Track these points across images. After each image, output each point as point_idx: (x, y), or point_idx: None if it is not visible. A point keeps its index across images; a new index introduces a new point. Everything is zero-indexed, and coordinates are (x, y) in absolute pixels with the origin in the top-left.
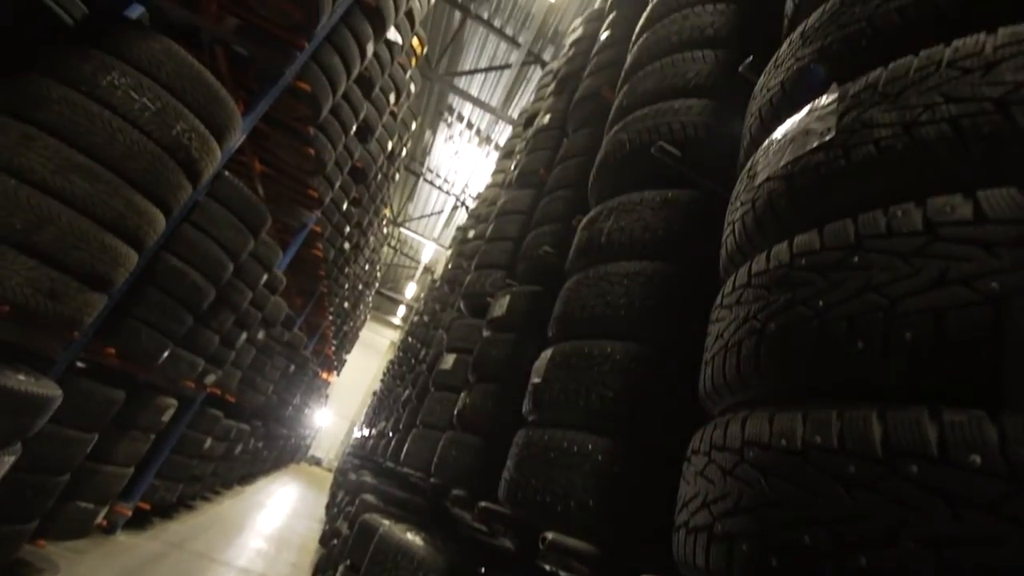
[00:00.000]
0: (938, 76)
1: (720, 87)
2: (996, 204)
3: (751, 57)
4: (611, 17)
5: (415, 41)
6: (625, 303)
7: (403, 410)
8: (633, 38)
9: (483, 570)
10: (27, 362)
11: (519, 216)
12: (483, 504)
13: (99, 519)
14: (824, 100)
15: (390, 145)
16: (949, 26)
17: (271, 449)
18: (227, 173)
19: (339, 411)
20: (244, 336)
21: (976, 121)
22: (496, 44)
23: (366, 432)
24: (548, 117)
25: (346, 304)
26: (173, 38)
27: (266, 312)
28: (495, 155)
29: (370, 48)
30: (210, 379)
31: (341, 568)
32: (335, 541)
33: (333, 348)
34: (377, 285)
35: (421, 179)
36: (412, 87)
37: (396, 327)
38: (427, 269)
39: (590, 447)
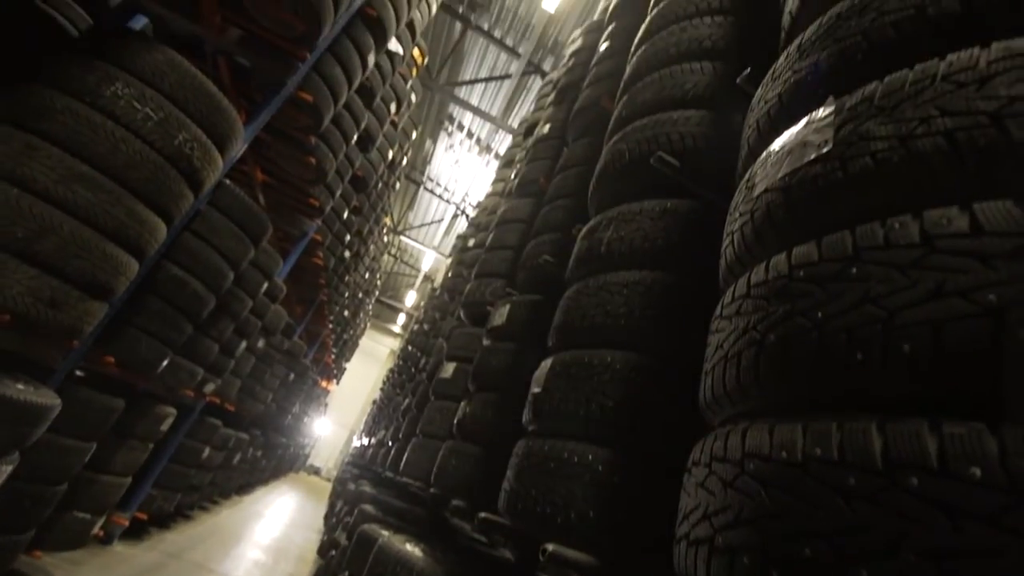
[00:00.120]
0: (933, 89)
1: (718, 98)
2: (992, 216)
3: (748, 69)
4: (610, 28)
5: (416, 52)
6: (625, 313)
7: (403, 419)
8: (632, 49)
9: None
10: (26, 371)
11: (519, 225)
12: (483, 515)
13: (96, 529)
14: (821, 113)
15: (391, 154)
16: (943, 40)
17: (270, 458)
18: (228, 182)
19: (338, 420)
20: (244, 345)
21: (971, 134)
22: (496, 54)
23: (365, 441)
24: (548, 127)
25: (346, 312)
26: (176, 49)
27: (266, 320)
28: (495, 164)
29: (371, 59)
30: (209, 388)
31: None
32: (333, 552)
33: (333, 356)
34: (377, 293)
35: (421, 188)
36: (413, 97)
37: (396, 335)
38: (427, 277)
39: (590, 457)
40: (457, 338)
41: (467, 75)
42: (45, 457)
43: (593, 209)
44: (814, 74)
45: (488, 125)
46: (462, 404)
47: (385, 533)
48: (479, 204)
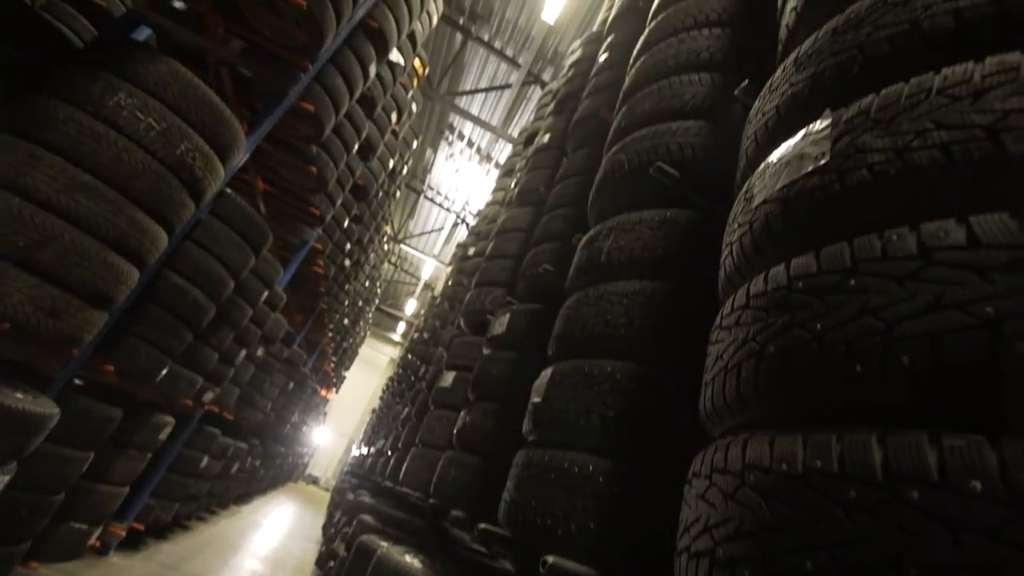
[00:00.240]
0: (928, 103)
1: (716, 109)
2: (988, 229)
3: (746, 81)
4: (609, 40)
5: (417, 62)
6: (625, 322)
7: (402, 428)
8: (631, 60)
9: None
10: (25, 379)
11: (519, 234)
12: (483, 526)
13: (92, 540)
14: (818, 125)
15: (391, 163)
16: (938, 54)
17: (268, 468)
18: (230, 191)
19: (337, 429)
20: (243, 353)
21: (967, 147)
22: (496, 65)
23: (364, 450)
24: (548, 136)
25: (346, 321)
26: (180, 60)
27: (266, 329)
28: (495, 173)
29: (373, 69)
30: (208, 397)
31: None
32: (332, 563)
33: (332, 365)
34: (377, 302)
35: (422, 196)
36: (414, 106)
37: (396, 344)
38: (427, 286)
39: (591, 468)
40: (457, 347)
41: (467, 85)
42: (43, 467)
43: (593, 219)
44: (810, 88)
45: (488, 134)
46: (462, 414)
47: (384, 544)
48: (479, 213)
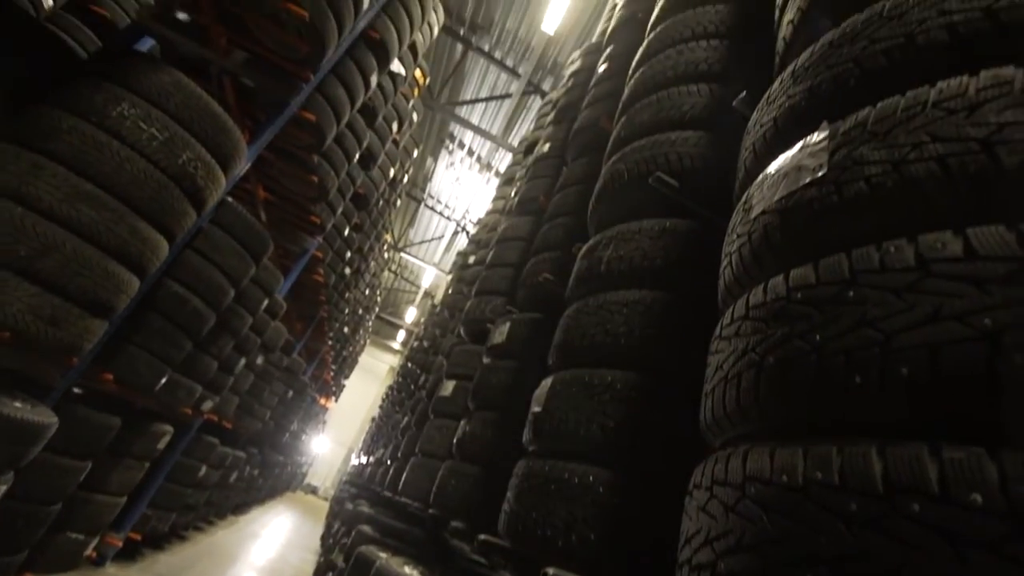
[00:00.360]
0: (924, 116)
1: (715, 120)
2: (985, 241)
3: (744, 92)
4: (608, 50)
5: (418, 72)
6: (625, 332)
7: (402, 437)
8: (630, 71)
9: None
10: (24, 388)
11: (519, 243)
12: (483, 536)
13: (89, 550)
14: (815, 137)
15: (392, 172)
16: (933, 68)
17: (267, 477)
18: (231, 200)
19: (336, 437)
20: (243, 362)
21: (963, 160)
22: (497, 75)
23: (364, 460)
24: (548, 146)
25: (346, 329)
26: (183, 70)
27: (265, 337)
28: (495, 182)
29: (374, 79)
30: (207, 406)
31: None
32: (330, 574)
33: (332, 373)
34: (377, 310)
35: (422, 205)
36: (414, 116)
37: (396, 352)
38: (427, 294)
39: (591, 479)
40: (457, 355)
41: (468, 95)
42: (40, 476)
43: (592, 228)
44: (808, 100)
45: (488, 143)
46: (462, 423)
47: (383, 555)
48: (479, 221)
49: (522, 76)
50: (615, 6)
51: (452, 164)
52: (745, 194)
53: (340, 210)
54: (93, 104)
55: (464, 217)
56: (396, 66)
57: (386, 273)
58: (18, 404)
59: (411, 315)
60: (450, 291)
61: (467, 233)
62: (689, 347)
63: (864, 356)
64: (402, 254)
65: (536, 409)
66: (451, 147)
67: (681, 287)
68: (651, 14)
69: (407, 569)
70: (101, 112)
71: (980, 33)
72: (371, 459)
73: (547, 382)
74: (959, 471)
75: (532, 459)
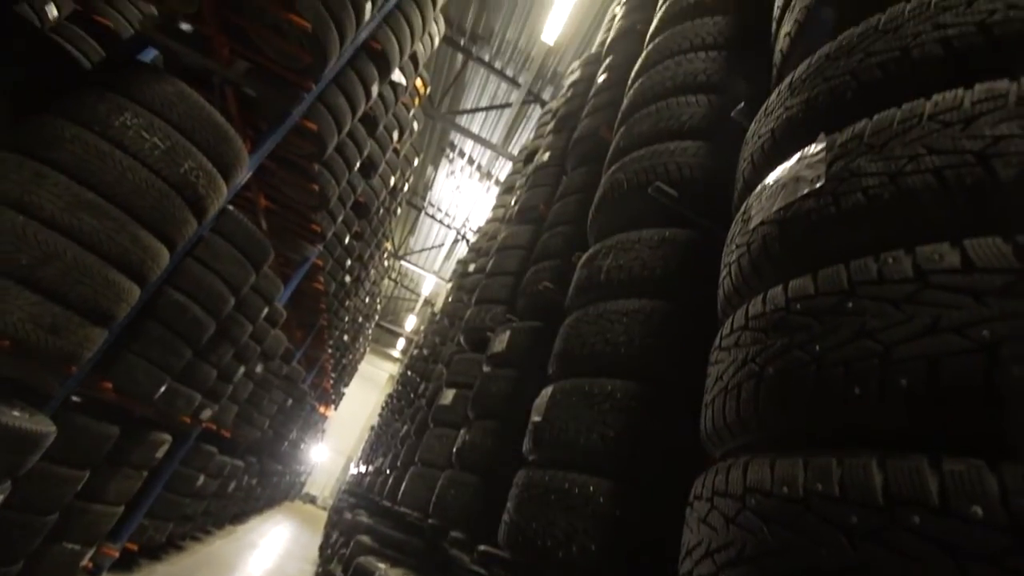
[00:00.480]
0: (920, 128)
1: (713, 130)
2: (982, 253)
3: (742, 103)
4: (608, 61)
5: (418, 82)
6: (625, 341)
7: (401, 446)
8: (629, 81)
9: None
10: (23, 397)
11: (519, 251)
12: (482, 547)
13: (85, 561)
14: (813, 149)
15: (393, 180)
16: (928, 81)
17: (265, 486)
18: (232, 208)
19: (335, 446)
20: (242, 370)
21: (959, 172)
22: (497, 84)
23: (363, 469)
24: (548, 155)
25: (346, 337)
26: (185, 80)
27: (265, 345)
28: (495, 190)
29: (375, 89)
30: (206, 414)
31: None
32: None
33: (331, 381)
34: (377, 318)
35: (423, 213)
36: (415, 125)
37: (395, 360)
38: (427, 302)
39: (592, 489)
40: (457, 364)
41: (468, 104)
42: (37, 486)
43: (592, 237)
44: (804, 112)
45: (489, 152)
46: (461, 432)
47: (382, 566)
48: (479, 229)
49: (522, 86)
50: (614, 17)
51: (452, 173)
52: (744, 204)
53: (341, 218)
54: (96, 114)
55: (464, 225)
56: (397, 76)
57: (386, 281)
58: (16, 413)
59: (411, 323)
60: (450, 299)
61: (467, 241)
62: (689, 357)
63: (863, 367)
64: (402, 262)
65: (536, 418)
66: (451, 156)
67: (681, 297)
68: (650, 25)
69: None
70: (104, 122)
71: (974, 47)
72: (370, 468)
73: (547, 391)
74: (959, 483)
75: (532, 469)
